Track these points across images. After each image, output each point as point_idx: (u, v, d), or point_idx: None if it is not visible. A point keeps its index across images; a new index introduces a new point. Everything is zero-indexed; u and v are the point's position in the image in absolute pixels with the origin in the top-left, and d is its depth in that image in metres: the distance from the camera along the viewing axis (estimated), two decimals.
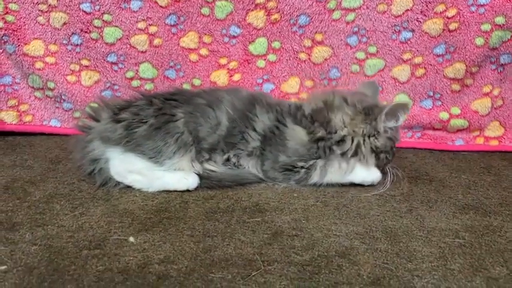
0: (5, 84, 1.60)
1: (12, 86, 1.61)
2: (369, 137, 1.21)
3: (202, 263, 0.87)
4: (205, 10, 1.52)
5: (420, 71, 1.54)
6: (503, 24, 1.44)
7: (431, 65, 1.53)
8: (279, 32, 1.54)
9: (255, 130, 1.23)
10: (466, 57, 1.50)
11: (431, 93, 1.56)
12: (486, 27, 1.46)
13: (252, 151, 1.24)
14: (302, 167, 1.21)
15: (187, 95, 1.30)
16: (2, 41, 1.54)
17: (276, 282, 0.82)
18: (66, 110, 1.63)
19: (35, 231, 0.97)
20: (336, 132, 1.21)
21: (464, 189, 1.25)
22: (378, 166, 1.24)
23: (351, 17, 1.51)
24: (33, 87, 1.62)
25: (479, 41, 1.48)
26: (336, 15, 1.51)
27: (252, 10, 1.52)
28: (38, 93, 1.63)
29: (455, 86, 1.54)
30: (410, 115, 1.57)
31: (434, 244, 0.96)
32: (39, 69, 1.58)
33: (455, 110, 1.56)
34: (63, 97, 1.61)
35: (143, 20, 1.53)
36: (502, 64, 1.51)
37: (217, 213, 1.08)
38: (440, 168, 1.40)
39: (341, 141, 1.21)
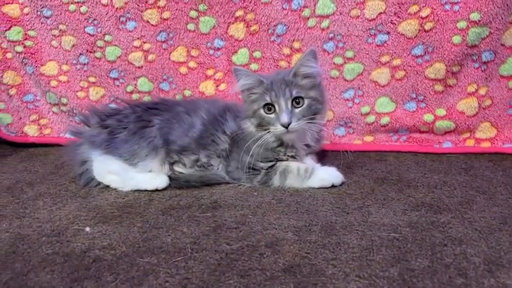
0: (27, 102, 1.83)
1: (33, 102, 1.84)
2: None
3: (138, 249, 0.95)
4: (191, 26, 1.65)
5: (400, 73, 1.53)
6: (479, 20, 1.40)
7: (410, 66, 1.52)
8: (259, 42, 1.62)
9: (224, 133, 1.31)
10: (445, 56, 1.47)
11: (414, 95, 1.53)
12: (462, 24, 1.43)
13: (220, 153, 1.31)
14: (262, 168, 1.26)
15: (170, 104, 1.41)
16: (23, 63, 1.77)
17: (195, 267, 0.88)
18: (78, 123, 1.81)
19: (13, 222, 1.12)
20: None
21: (429, 189, 1.22)
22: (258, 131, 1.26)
23: (325, 23, 1.55)
24: (50, 103, 1.82)
25: (456, 39, 1.45)
26: (311, 22, 1.56)
27: (233, 23, 1.61)
28: (54, 109, 1.83)
29: (438, 87, 1.50)
30: (394, 118, 1.55)
31: (368, 237, 0.96)
32: (54, 87, 1.79)
33: (441, 112, 1.52)
34: (74, 111, 1.80)
35: (138, 38, 1.69)
36: (484, 62, 1.46)
37: (175, 209, 1.16)
38: (416, 170, 1.37)
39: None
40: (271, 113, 1.22)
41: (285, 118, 1.19)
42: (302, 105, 1.21)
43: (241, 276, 0.84)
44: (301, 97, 1.21)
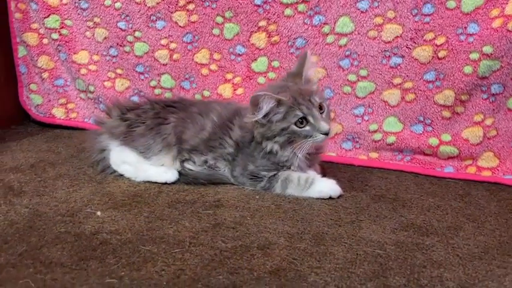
0: (58, 86, 1.95)
1: (63, 87, 1.95)
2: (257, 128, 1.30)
3: (141, 237, 1.04)
4: (216, 31, 1.73)
5: (410, 96, 1.58)
6: (491, 54, 1.44)
7: (421, 90, 1.56)
8: (278, 53, 1.69)
9: (230, 138, 1.38)
10: (455, 84, 1.51)
11: (422, 119, 1.58)
12: (474, 56, 1.47)
13: (226, 157, 1.39)
14: (265, 176, 1.34)
15: (186, 103, 1.49)
16: (57, 50, 1.89)
17: (190, 259, 0.96)
18: (102, 111, 1.92)
19: (33, 199, 1.23)
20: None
21: (422, 211, 1.26)
22: (285, 147, 1.29)
23: (343, 41, 1.61)
24: (78, 90, 1.94)
25: (467, 69, 1.49)
26: (330, 39, 1.62)
27: (255, 32, 1.69)
28: (82, 95, 1.95)
29: (446, 113, 1.55)
30: (400, 138, 1.61)
31: (353, 251, 1.02)
32: (83, 75, 1.90)
33: (446, 137, 1.56)
34: (100, 99, 1.91)
35: (165, 37, 1.78)
36: (493, 94, 1.49)
37: (180, 203, 1.25)
38: (413, 191, 1.42)
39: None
40: (304, 126, 1.25)
41: (325, 126, 1.25)
42: (324, 109, 1.28)
43: (231, 273, 0.92)
44: (322, 102, 1.28)
